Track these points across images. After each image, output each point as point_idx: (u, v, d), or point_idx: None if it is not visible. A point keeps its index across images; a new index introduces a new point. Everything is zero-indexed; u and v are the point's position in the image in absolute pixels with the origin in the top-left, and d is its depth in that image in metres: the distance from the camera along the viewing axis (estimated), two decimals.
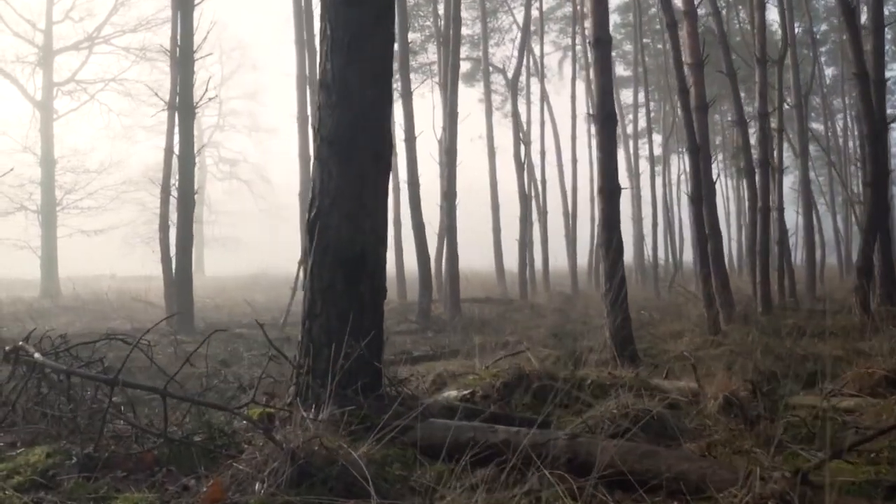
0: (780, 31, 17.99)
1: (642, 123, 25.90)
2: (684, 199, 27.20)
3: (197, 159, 11.26)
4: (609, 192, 7.33)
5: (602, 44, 7.35)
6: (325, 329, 3.39)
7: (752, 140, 14.88)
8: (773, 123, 14.00)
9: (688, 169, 11.03)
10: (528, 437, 2.72)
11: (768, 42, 15.92)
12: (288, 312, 12.59)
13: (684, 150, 29.82)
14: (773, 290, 12.72)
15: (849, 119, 30.98)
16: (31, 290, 18.80)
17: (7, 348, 3.49)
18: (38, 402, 3.15)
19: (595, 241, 22.61)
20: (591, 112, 7.40)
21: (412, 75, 23.69)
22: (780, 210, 14.51)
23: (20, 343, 3.33)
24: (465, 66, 22.88)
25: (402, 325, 12.36)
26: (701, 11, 13.37)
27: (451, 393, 3.90)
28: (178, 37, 10.93)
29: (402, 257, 17.29)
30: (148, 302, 15.64)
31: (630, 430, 3.41)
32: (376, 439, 2.64)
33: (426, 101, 22.29)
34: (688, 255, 24.82)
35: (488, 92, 20.18)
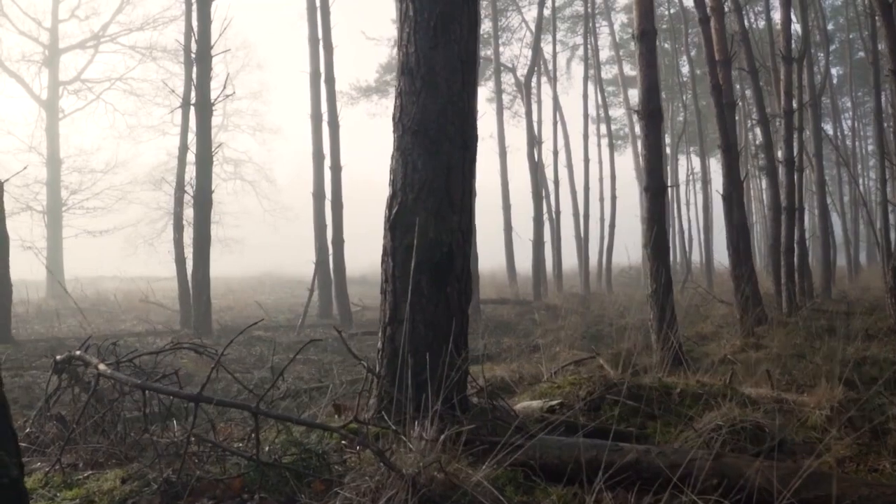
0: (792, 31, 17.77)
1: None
2: (693, 199, 26.90)
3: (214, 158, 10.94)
4: (654, 190, 7.07)
5: (648, 36, 7.09)
6: (410, 336, 3.10)
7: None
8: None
9: (715, 168, 10.78)
10: (660, 455, 2.45)
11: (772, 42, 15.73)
12: (305, 314, 12.30)
13: (691, 150, 29.68)
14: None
15: (853, 119, 30.92)
16: (36, 292, 18.42)
17: (58, 357, 3.18)
18: (99, 419, 2.85)
19: (604, 243, 22.38)
20: (635, 108, 7.13)
21: None
22: (801, 210, 14.30)
23: (77, 353, 3.02)
24: None
25: None
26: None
27: (534, 403, 3.61)
28: (195, 33, 10.61)
29: None
30: (158, 303, 15.29)
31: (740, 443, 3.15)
32: (495, 461, 2.35)
33: None
34: (695, 256, 24.62)
35: (499, 91, 19.89)
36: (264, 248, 32.51)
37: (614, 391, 3.62)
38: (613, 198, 21.69)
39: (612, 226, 21.51)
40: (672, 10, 26.39)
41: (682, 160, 28.99)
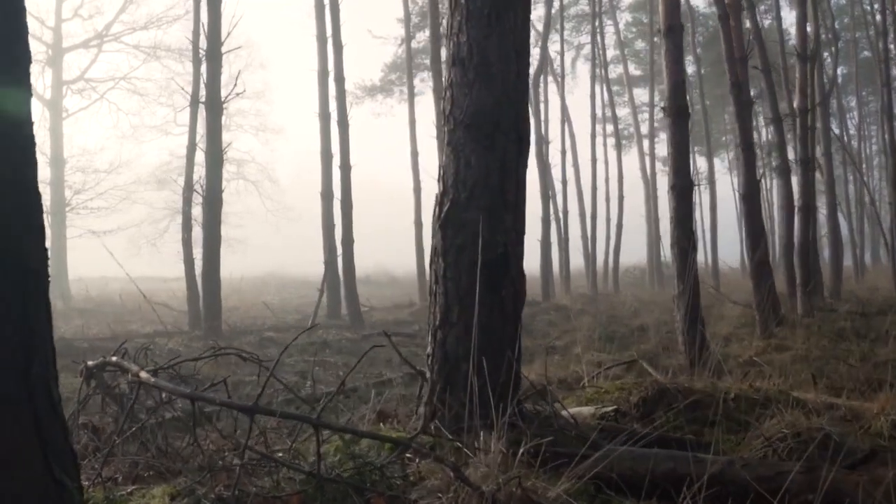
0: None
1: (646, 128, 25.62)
2: (699, 199, 26.73)
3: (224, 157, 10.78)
4: (681, 188, 6.93)
5: (675, 31, 6.94)
6: (463, 341, 2.95)
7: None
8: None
9: (727, 167, 10.65)
10: (745, 467, 2.29)
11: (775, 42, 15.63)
12: (315, 314, 12.14)
13: (695, 149, 29.54)
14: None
15: (857, 118, 30.85)
16: None
17: (90, 363, 3.02)
18: (138, 429, 2.69)
19: (610, 243, 22.23)
20: (662, 105, 6.98)
21: (425, 74, 23.33)
22: (815, 210, 14.19)
23: (112, 358, 2.86)
24: None
25: None
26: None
27: (583, 409, 3.46)
28: (205, 30, 10.44)
29: (423, 258, 16.82)
30: (164, 304, 15.09)
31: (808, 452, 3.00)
32: (572, 475, 2.20)
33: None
34: (699, 256, 24.45)
35: None
36: (266, 248, 32.35)
37: (668, 396, 3.47)
38: (621, 198, 21.58)
39: (620, 226, 21.40)
40: None
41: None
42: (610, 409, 3.37)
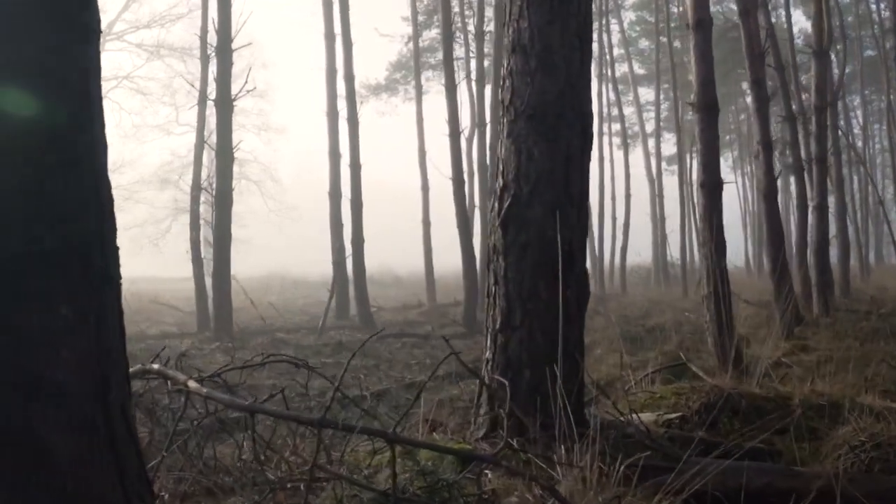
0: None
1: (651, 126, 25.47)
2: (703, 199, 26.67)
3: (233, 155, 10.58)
4: (711, 186, 6.76)
5: (704, 25, 6.76)
6: (527, 345, 2.77)
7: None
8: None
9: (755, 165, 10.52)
10: (852, 482, 2.13)
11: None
12: (326, 315, 11.94)
13: (695, 150, 29.43)
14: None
15: (861, 117, 30.73)
16: None
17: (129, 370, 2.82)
18: (182, 444, 2.50)
19: (617, 243, 22.08)
20: (689, 101, 6.83)
21: (431, 73, 23.17)
22: (827, 209, 14.04)
23: (154, 366, 2.67)
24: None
25: (447, 328, 11.72)
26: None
27: (643, 416, 3.28)
28: (215, 25, 10.24)
29: (430, 258, 16.64)
30: (170, 305, 14.88)
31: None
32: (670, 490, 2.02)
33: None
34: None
35: None
36: (268, 248, 32.15)
37: (731, 402, 3.30)
38: (627, 196, 21.42)
39: (627, 225, 21.24)
40: (681, 8, 26.14)
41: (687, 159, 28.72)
42: (675, 416, 3.19)
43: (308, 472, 2.01)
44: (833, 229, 17.28)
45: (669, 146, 27.43)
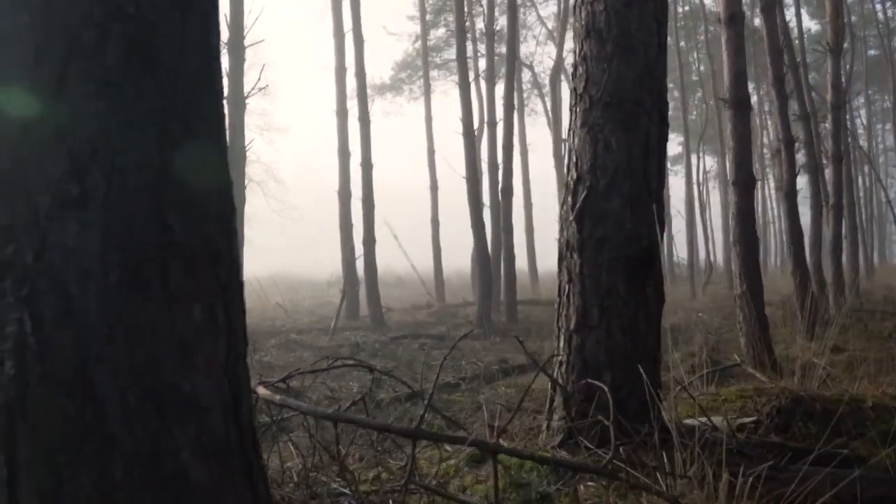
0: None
1: None
2: (712, 199, 26.55)
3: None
4: (743, 183, 6.63)
5: (737, 19, 6.64)
6: (605, 345, 2.62)
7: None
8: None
9: (780, 163, 10.40)
10: None
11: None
12: (338, 316, 11.78)
13: (702, 149, 29.30)
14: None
15: (866, 116, 30.69)
16: None
17: None
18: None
19: None
20: (722, 97, 6.70)
21: (436, 72, 22.99)
22: (842, 208, 13.96)
23: None
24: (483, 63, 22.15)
25: (461, 329, 11.55)
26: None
27: (714, 419, 3.13)
28: (227, 21, 10.07)
29: (440, 257, 16.47)
30: None
31: None
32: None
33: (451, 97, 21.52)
34: (711, 256, 24.23)
35: (520, 88, 19.44)
36: (270, 248, 31.95)
37: (804, 405, 3.16)
38: None
39: None
40: (686, 8, 26.07)
41: (693, 159, 28.60)
42: (749, 420, 3.04)
43: (402, 486, 1.84)
44: (843, 229, 17.24)
45: (673, 146, 27.32)
